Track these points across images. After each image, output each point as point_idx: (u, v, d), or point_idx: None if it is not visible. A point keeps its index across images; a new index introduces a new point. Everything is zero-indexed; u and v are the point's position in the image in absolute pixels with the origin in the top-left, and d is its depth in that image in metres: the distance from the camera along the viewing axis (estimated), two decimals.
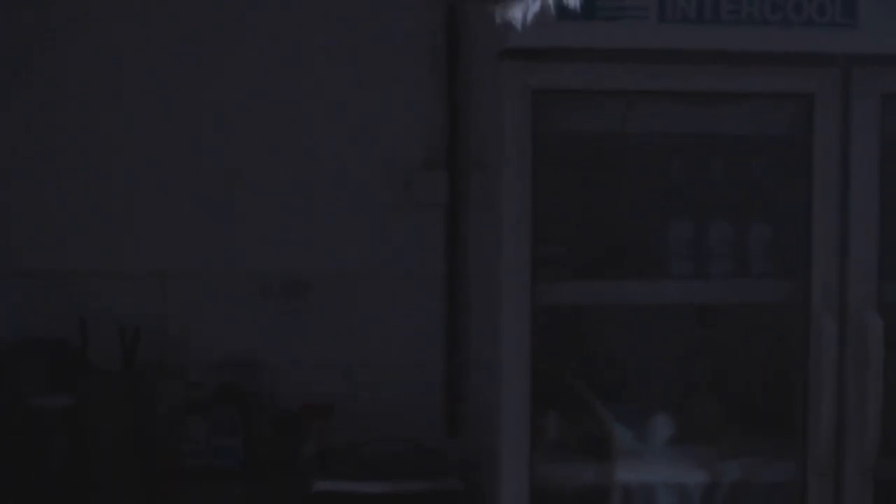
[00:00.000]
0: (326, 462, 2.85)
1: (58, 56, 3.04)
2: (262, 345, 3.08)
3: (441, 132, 3.12)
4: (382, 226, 3.12)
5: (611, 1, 2.60)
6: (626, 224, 2.95)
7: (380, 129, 3.11)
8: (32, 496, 2.78)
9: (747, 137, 2.90)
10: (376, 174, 3.11)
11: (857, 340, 2.72)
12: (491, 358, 2.73)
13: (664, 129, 2.87)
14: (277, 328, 3.10)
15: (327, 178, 3.10)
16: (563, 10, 2.58)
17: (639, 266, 2.89)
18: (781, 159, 2.89)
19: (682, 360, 3.00)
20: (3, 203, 3.06)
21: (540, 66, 2.61)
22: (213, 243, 3.10)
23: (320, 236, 3.09)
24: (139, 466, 2.85)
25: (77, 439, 2.82)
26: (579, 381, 2.85)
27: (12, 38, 3.02)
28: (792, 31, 2.66)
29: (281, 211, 3.09)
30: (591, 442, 2.80)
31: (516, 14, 2.01)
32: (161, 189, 3.09)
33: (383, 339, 3.13)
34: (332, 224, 3.10)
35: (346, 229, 3.10)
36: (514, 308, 2.65)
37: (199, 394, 2.99)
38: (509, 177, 2.64)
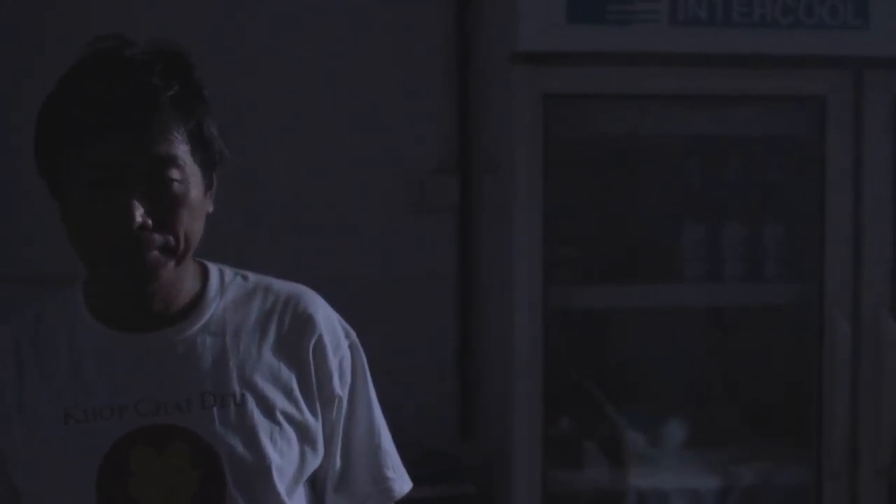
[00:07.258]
0: None
1: (58, 57, 3.03)
2: None
3: (453, 136, 3.11)
4: (394, 230, 3.11)
5: (622, 4, 2.59)
6: (639, 227, 2.94)
7: (391, 134, 3.09)
8: None
9: (761, 139, 2.89)
10: (388, 178, 3.10)
11: (870, 342, 2.71)
12: (504, 361, 2.73)
13: (677, 131, 2.86)
14: None
15: (338, 182, 3.09)
16: (574, 14, 2.60)
17: (653, 269, 2.89)
18: (795, 161, 2.88)
19: (696, 363, 2.99)
20: (8, 208, 3.06)
21: (551, 70, 2.61)
22: (225, 249, 3.09)
23: (332, 240, 3.08)
24: None
25: None
26: (593, 385, 2.85)
27: (10, 41, 3.02)
28: (803, 33, 2.65)
29: (293, 216, 3.08)
30: (605, 446, 2.79)
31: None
32: None
33: (396, 342, 3.12)
34: (344, 228, 3.09)
35: (358, 233, 3.09)
36: (527, 312, 2.65)
37: None
38: (521, 180, 2.64)
